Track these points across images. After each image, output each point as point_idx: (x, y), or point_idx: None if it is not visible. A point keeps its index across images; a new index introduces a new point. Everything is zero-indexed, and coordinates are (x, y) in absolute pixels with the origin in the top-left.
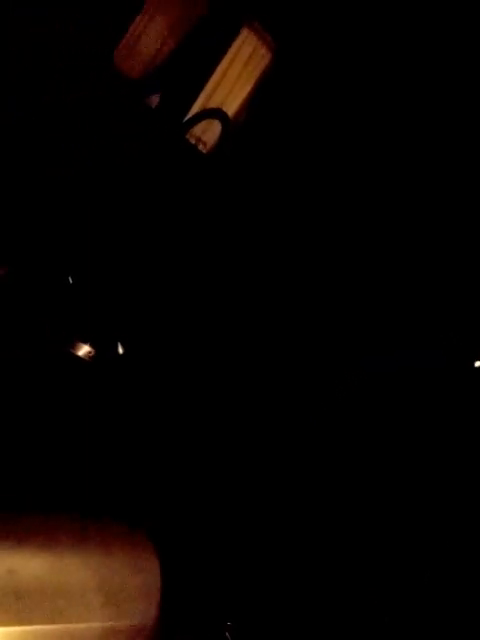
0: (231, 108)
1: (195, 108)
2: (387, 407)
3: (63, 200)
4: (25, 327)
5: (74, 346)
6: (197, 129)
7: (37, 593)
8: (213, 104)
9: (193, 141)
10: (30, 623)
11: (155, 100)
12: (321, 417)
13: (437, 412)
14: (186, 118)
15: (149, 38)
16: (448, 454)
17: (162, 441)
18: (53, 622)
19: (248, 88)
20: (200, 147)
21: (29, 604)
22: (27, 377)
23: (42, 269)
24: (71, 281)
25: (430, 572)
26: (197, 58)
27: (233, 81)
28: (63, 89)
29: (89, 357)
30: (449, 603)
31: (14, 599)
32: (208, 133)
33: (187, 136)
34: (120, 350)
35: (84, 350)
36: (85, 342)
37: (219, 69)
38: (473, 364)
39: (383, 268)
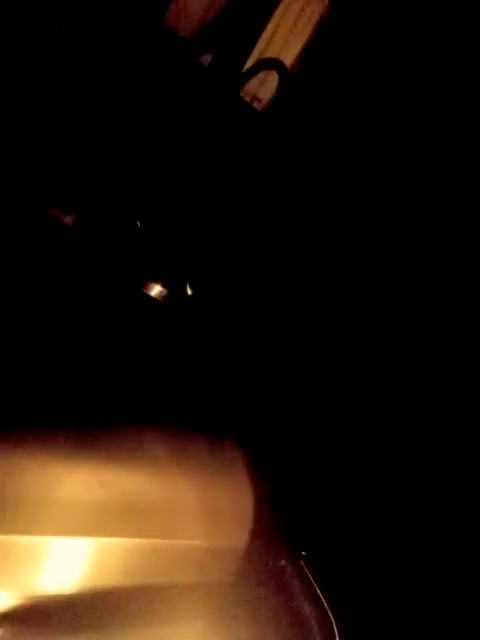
0: (287, 60)
1: (250, 62)
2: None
3: (127, 148)
4: (97, 273)
5: (147, 287)
6: (252, 85)
7: (147, 510)
8: (269, 55)
9: (248, 99)
10: (141, 536)
11: (208, 59)
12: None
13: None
14: (242, 72)
15: None
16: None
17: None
18: (161, 537)
19: (304, 38)
20: (255, 104)
21: (140, 519)
22: (109, 317)
23: (110, 215)
24: (139, 225)
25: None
26: (249, 10)
27: (288, 32)
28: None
29: (162, 297)
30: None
31: (128, 513)
32: (263, 89)
33: (241, 94)
34: (189, 290)
35: (157, 290)
36: (157, 282)
37: (273, 20)
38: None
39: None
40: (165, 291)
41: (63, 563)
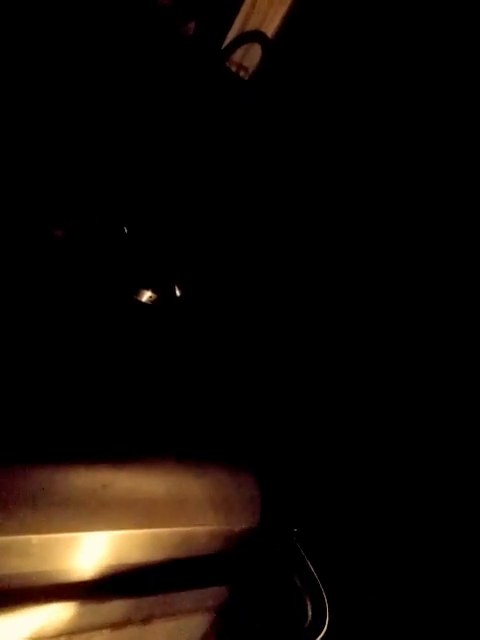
0: (270, 28)
1: (232, 33)
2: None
3: (108, 151)
4: (91, 281)
5: (138, 293)
6: (237, 55)
7: (161, 503)
8: (251, 27)
9: (234, 68)
10: (158, 526)
11: (191, 29)
12: None
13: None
14: (224, 45)
15: None
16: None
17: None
18: (175, 526)
19: (286, 5)
20: (241, 74)
21: (155, 511)
22: (102, 325)
23: (98, 225)
24: (126, 231)
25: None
26: None
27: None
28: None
29: (152, 301)
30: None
31: (139, 507)
32: (248, 58)
33: (227, 64)
34: (177, 292)
35: (147, 295)
36: (147, 288)
37: None
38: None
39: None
40: (155, 296)
41: (103, 550)
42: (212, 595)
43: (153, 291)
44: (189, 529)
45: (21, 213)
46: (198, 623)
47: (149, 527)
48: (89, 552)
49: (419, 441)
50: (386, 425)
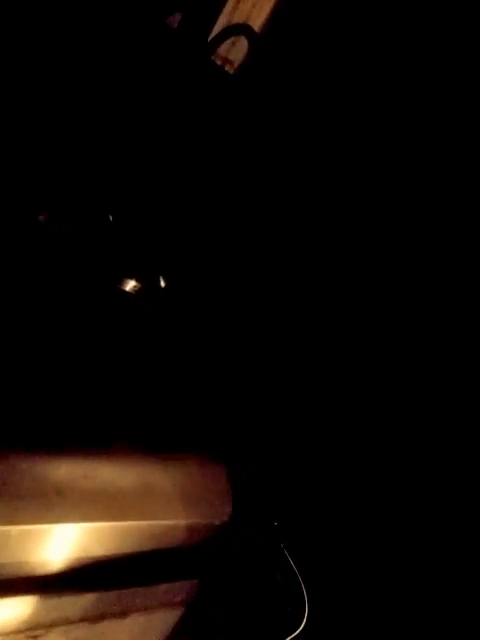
0: (257, 22)
1: (219, 26)
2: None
3: (95, 139)
4: (73, 268)
5: (121, 282)
6: (222, 48)
7: (129, 494)
8: (238, 19)
9: (219, 62)
10: (124, 519)
11: (176, 20)
12: None
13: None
14: (210, 37)
15: None
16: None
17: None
18: (143, 519)
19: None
20: (227, 68)
21: (123, 503)
22: (83, 313)
23: (82, 211)
24: (111, 219)
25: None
26: None
27: None
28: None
29: (135, 291)
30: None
31: (111, 499)
32: (234, 52)
33: (212, 57)
34: (162, 283)
35: (131, 285)
36: (131, 277)
37: None
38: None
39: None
40: (139, 285)
41: (78, 542)
42: (185, 589)
43: (137, 281)
44: (163, 522)
45: (8, 202)
46: (172, 617)
47: (123, 519)
48: (65, 544)
49: (410, 430)
50: (376, 418)
